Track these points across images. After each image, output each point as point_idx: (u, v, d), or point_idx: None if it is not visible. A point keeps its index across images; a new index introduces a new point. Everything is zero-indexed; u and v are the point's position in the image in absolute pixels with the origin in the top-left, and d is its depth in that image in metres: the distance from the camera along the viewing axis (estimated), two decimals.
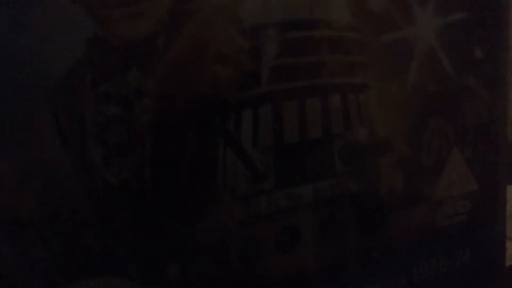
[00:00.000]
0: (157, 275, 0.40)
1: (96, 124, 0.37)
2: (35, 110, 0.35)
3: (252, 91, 0.41)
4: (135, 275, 0.40)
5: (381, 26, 0.46)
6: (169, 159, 0.39)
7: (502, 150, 0.54)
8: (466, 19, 0.49)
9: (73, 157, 0.37)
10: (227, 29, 0.39)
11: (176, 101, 0.39)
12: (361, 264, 0.49)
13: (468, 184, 0.54)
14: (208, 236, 0.42)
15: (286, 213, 0.45)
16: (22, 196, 0.36)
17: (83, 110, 0.36)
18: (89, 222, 0.38)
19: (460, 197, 0.53)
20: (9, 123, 0.35)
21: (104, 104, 0.36)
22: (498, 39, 0.51)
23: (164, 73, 0.38)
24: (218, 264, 0.43)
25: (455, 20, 0.49)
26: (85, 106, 0.36)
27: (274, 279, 0.45)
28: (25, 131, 0.35)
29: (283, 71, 0.42)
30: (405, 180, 0.50)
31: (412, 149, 0.50)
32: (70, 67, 0.35)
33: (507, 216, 0.58)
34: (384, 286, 0.52)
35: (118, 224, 0.39)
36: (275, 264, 0.45)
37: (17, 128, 0.35)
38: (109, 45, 0.36)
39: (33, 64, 0.35)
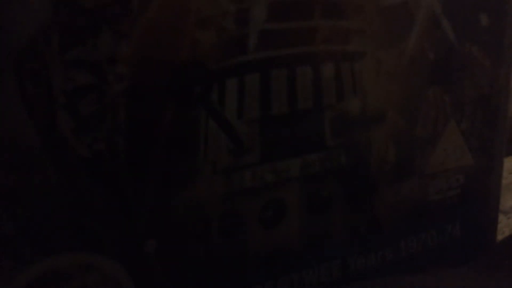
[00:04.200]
0: (133, 250, 0.39)
1: (66, 92, 0.34)
2: None
3: (237, 58, 0.38)
4: (110, 250, 0.38)
5: None
6: (145, 130, 0.37)
7: (501, 123, 0.51)
8: None
9: (40, 127, 0.34)
10: None
11: (153, 68, 0.36)
12: (348, 238, 0.48)
13: (463, 158, 0.51)
14: (187, 210, 0.39)
15: (272, 187, 0.42)
16: None
17: (51, 77, 0.33)
18: (59, 195, 0.35)
19: (454, 171, 0.51)
20: None
21: (74, 71, 0.33)
22: (505, 5, 0.47)
23: (140, 37, 0.34)
24: (197, 238, 0.41)
25: None
26: (53, 73, 0.33)
27: (256, 253, 0.43)
28: None
29: (272, 36, 0.39)
30: (398, 153, 0.48)
31: (407, 120, 0.47)
32: (35, 30, 0.32)
33: (501, 189, 0.56)
34: (372, 260, 0.50)
35: (91, 198, 0.36)
36: (258, 239, 0.43)
37: None
38: (78, 5, 0.32)
39: None
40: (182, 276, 0.40)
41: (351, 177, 0.46)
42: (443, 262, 0.54)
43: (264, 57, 0.39)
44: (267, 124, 0.41)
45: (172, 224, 0.39)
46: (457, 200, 0.52)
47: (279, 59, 0.39)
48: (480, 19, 0.47)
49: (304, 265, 0.45)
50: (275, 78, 0.40)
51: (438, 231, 0.53)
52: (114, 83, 0.34)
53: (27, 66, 0.33)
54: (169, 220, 0.39)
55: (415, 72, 0.46)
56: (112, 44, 0.34)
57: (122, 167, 0.36)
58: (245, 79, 0.39)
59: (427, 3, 0.44)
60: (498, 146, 0.52)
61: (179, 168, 0.38)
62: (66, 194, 0.35)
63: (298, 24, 0.39)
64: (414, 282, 0.49)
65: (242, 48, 0.38)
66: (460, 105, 0.49)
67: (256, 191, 0.42)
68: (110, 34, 0.34)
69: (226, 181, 0.40)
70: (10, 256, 0.35)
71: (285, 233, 0.44)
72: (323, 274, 0.47)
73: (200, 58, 0.37)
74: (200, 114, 0.38)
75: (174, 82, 0.36)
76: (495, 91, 0.50)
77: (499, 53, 0.49)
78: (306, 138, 0.43)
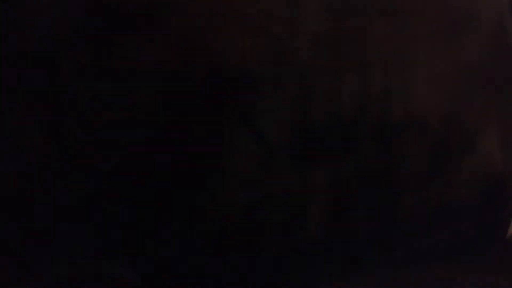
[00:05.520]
0: (152, 259, 0.36)
1: (81, 103, 0.29)
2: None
3: (285, 66, 0.33)
4: (130, 260, 0.35)
5: None
6: (169, 140, 0.33)
7: None
8: None
9: (55, 141, 0.30)
10: None
11: (185, 75, 0.31)
12: (368, 237, 0.46)
13: (493, 165, 0.48)
14: (209, 219, 0.37)
15: (299, 195, 0.39)
16: None
17: (70, 87, 0.29)
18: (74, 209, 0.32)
19: (482, 177, 0.48)
20: None
21: (95, 81, 0.29)
22: None
23: (174, 43, 0.30)
24: (219, 246, 0.38)
25: None
26: (72, 83, 0.29)
27: (278, 258, 0.41)
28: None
29: (323, 44, 0.34)
30: (431, 159, 0.45)
31: (447, 127, 0.44)
32: (49, 30, 0.27)
33: None
34: (385, 256, 0.49)
35: (110, 210, 0.33)
36: (281, 244, 0.41)
37: None
38: (107, 9, 0.27)
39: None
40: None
41: (380, 180, 0.43)
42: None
43: (313, 65, 0.34)
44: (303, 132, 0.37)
45: (193, 233, 0.37)
46: (479, 204, 0.50)
47: (328, 67, 0.35)
48: None
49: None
50: (320, 86, 0.35)
51: (454, 232, 0.51)
52: (138, 91, 0.30)
53: (38, 71, 0.28)
54: (191, 229, 0.36)
55: (466, 78, 0.42)
56: (140, 50, 0.29)
57: (144, 177, 0.33)
58: (290, 87, 0.34)
59: (494, 7, 0.39)
60: None
61: (203, 178, 0.35)
62: (81, 207, 0.32)
63: (352, 24, 0.34)
64: (427, 278, 0.49)
65: (291, 56, 0.33)
66: (503, 110, 0.46)
67: (283, 197, 0.39)
68: (140, 39, 0.29)
69: (251, 190, 0.37)
70: (20, 267, 0.33)
71: (307, 236, 0.42)
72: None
73: (243, 65, 0.32)
74: (227, 122, 0.34)
75: (208, 89, 0.32)
76: None
77: None
78: (341, 146, 0.39)
